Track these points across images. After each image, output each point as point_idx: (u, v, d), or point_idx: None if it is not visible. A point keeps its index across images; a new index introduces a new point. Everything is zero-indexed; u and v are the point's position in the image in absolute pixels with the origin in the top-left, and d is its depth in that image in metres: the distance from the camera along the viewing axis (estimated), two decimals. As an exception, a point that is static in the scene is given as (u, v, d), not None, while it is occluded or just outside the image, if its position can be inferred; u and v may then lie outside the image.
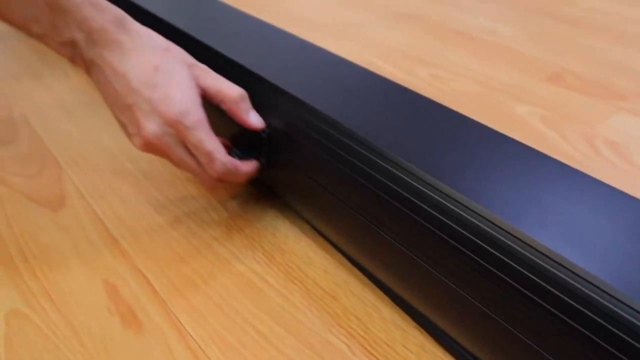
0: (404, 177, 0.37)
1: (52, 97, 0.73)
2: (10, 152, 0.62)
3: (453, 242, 0.34)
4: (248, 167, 0.48)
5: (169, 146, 0.44)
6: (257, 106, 0.48)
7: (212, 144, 0.44)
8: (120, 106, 0.44)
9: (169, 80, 0.43)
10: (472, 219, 0.33)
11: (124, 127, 0.46)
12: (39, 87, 0.75)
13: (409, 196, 0.36)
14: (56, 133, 0.65)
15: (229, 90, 0.46)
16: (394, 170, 0.38)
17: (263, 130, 0.47)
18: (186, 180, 0.57)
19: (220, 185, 0.49)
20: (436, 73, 0.77)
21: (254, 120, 0.47)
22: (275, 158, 0.48)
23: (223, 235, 0.50)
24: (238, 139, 0.50)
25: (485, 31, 0.89)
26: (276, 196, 0.53)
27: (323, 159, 0.43)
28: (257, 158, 0.48)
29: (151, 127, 0.43)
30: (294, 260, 0.47)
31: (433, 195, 0.35)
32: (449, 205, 0.34)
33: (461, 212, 0.34)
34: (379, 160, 0.39)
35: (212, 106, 0.47)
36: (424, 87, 0.73)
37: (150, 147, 0.44)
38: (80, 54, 0.44)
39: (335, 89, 0.49)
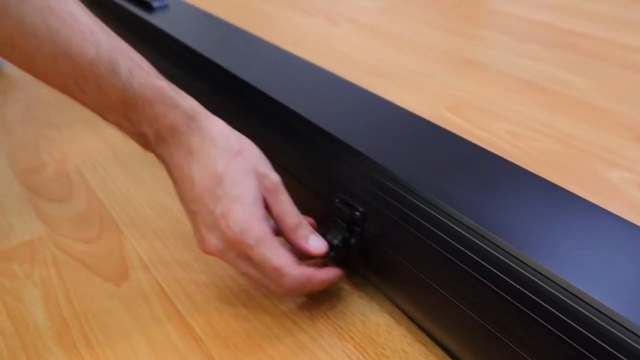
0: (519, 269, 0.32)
1: (107, 148, 0.69)
2: (66, 212, 0.58)
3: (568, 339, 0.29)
4: (326, 275, 0.43)
5: (232, 261, 0.42)
6: (336, 173, 0.43)
7: (278, 260, 0.40)
8: (187, 210, 0.43)
9: (233, 192, 0.41)
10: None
11: (192, 225, 0.43)
12: (94, 137, 0.72)
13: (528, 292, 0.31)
14: (113, 190, 0.61)
15: (287, 218, 0.43)
16: (504, 259, 0.33)
17: (356, 209, 0.42)
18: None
19: (294, 296, 0.46)
20: (512, 129, 0.72)
21: (314, 246, 0.43)
22: (370, 241, 0.43)
23: (305, 320, 0.45)
24: (326, 219, 0.45)
25: (557, 82, 0.84)
26: (363, 277, 0.48)
27: (420, 242, 0.38)
28: (347, 240, 0.44)
29: (213, 241, 0.41)
30: (387, 355, 0.42)
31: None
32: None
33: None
34: (489, 249, 0.34)
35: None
36: (501, 145, 0.68)
37: (214, 255, 0.42)
38: (152, 148, 0.43)
39: (418, 154, 0.45)
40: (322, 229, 0.45)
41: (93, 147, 0.70)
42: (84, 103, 0.42)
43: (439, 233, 0.38)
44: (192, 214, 0.42)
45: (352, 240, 0.44)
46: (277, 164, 0.45)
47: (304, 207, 0.45)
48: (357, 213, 0.42)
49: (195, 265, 0.50)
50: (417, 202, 0.40)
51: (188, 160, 0.42)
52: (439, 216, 0.38)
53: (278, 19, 1.16)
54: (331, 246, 0.43)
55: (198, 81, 0.66)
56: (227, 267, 0.49)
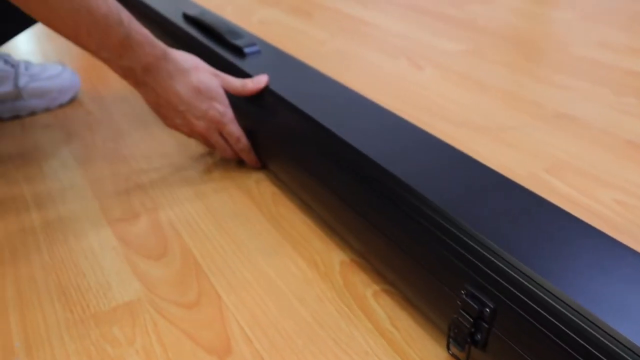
0: None
1: (197, 199, 0.69)
2: (163, 271, 0.57)
3: None
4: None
5: (212, 135, 0.71)
6: (463, 261, 0.40)
7: (239, 131, 0.71)
8: (174, 111, 0.68)
9: (210, 94, 0.69)
10: None
11: (175, 125, 0.70)
12: (184, 187, 0.71)
13: None
14: (208, 248, 0.60)
15: (234, 82, 0.71)
16: None
17: (486, 304, 0.40)
18: (367, 332, 0.49)
19: (242, 156, 0.73)
20: (620, 198, 0.67)
21: (251, 85, 0.71)
22: (497, 338, 0.40)
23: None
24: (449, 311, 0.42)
25: (662, 143, 0.79)
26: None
27: (556, 345, 0.35)
28: (472, 336, 0.41)
29: (201, 124, 0.70)
30: None
31: None
32: None
33: None
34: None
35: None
36: (610, 216, 0.64)
37: (197, 135, 0.71)
38: (135, 77, 0.65)
39: (537, 238, 0.42)
40: (444, 320, 0.42)
41: (184, 197, 0.69)
42: (85, 44, 0.61)
43: (577, 339, 0.35)
44: (179, 113, 0.68)
45: (478, 336, 0.41)
46: (399, 249, 0.43)
47: (427, 297, 0.43)
48: (487, 309, 0.40)
49: (297, 338, 0.48)
50: (551, 301, 0.37)
51: (171, 82, 0.66)
52: (577, 320, 0.35)
53: (359, 60, 1.14)
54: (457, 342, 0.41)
55: (291, 132, 0.65)
56: (341, 353, 0.47)
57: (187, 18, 0.96)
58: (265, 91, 0.71)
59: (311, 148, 0.62)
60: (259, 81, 0.70)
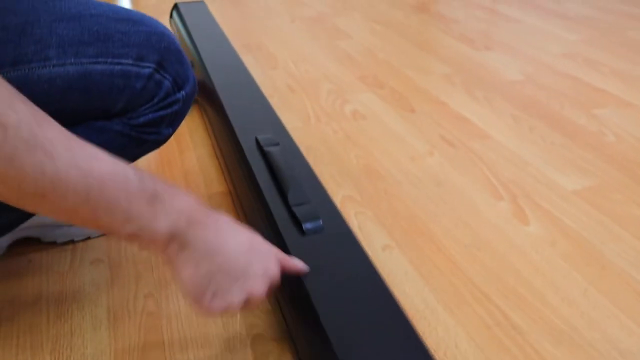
0: None
1: None
2: None
3: None
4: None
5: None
6: None
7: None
8: (227, 280, 0.51)
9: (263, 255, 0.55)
10: None
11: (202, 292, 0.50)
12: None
13: None
14: None
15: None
16: None
17: None
18: None
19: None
20: None
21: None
22: None
23: None
24: None
25: None
26: None
27: None
28: None
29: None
30: None
31: None
32: None
33: None
34: None
35: None
36: None
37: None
38: (175, 239, 0.48)
39: None
40: None
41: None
42: (92, 224, 0.45)
43: None
44: (235, 279, 0.51)
45: None
46: None
47: None
48: None
49: None
50: None
51: (215, 235, 0.51)
52: None
53: (451, 195, 0.98)
54: None
55: None
56: None
57: (258, 145, 0.86)
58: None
59: None
60: (297, 266, 0.60)
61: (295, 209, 0.70)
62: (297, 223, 0.69)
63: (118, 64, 0.64)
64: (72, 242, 0.86)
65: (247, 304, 0.54)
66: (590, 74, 1.50)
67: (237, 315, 0.72)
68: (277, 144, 0.85)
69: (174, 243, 0.49)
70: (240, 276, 0.52)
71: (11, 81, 0.41)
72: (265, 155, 0.82)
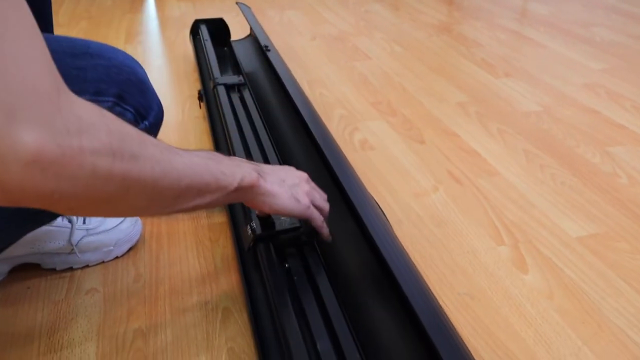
0: None
1: None
2: None
3: None
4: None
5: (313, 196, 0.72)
6: None
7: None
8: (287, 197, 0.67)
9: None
10: None
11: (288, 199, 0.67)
12: None
13: None
14: None
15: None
16: None
17: None
18: None
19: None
20: None
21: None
22: None
23: None
24: None
25: None
26: None
27: None
28: None
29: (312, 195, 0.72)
30: None
31: None
32: None
33: None
34: None
35: None
36: None
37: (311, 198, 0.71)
38: (259, 175, 0.64)
39: None
40: None
41: None
42: (222, 186, 0.58)
43: None
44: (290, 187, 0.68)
45: None
46: None
47: None
48: None
49: None
50: None
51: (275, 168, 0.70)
52: None
53: (448, 242, 0.97)
54: None
55: None
56: None
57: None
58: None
59: None
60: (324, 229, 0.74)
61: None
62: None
63: None
64: (71, 269, 0.88)
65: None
66: (610, 108, 1.47)
67: (223, 350, 0.72)
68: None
69: (260, 178, 0.63)
70: (299, 189, 0.70)
71: None
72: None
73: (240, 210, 0.93)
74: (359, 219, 0.75)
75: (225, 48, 1.68)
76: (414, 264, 0.69)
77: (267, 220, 0.79)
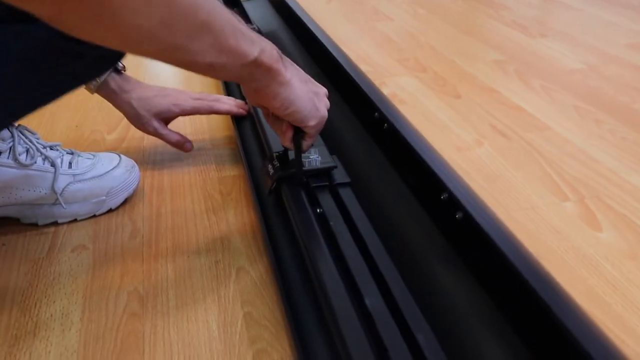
0: None
1: None
2: None
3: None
4: None
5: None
6: None
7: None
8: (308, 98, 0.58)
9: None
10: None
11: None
12: None
13: None
14: None
15: None
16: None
17: None
18: None
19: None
20: None
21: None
22: None
23: None
24: None
25: None
26: None
27: None
28: None
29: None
30: None
31: None
32: None
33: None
34: None
35: None
36: None
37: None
38: (282, 57, 0.54)
39: None
40: None
41: None
42: (240, 48, 0.48)
43: None
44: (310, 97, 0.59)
45: None
46: None
47: None
48: None
49: None
50: None
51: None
52: None
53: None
54: None
55: None
56: None
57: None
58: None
59: None
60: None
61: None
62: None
63: None
64: (56, 224, 0.73)
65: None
66: (662, 67, 1.31)
67: (237, 326, 0.58)
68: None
69: (281, 62, 0.54)
70: (320, 98, 0.61)
71: None
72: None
73: (257, 160, 0.79)
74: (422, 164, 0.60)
75: (235, 8, 1.53)
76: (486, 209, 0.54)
77: (290, 159, 0.64)
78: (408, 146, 0.62)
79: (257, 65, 0.50)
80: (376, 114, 0.73)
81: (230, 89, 1.03)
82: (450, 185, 0.54)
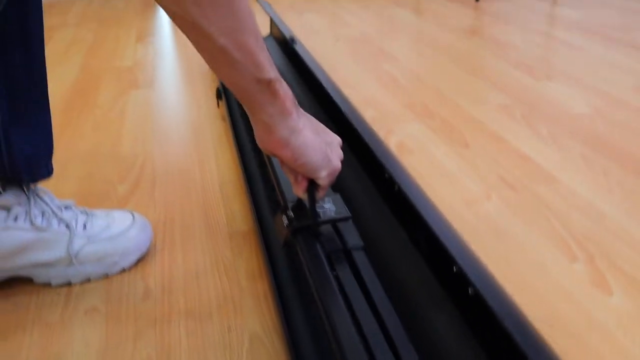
0: None
1: None
2: None
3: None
4: None
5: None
6: None
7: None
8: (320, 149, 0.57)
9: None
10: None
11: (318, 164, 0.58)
12: None
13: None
14: None
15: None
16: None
17: None
18: None
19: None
20: None
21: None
22: None
23: None
24: None
25: None
26: None
27: None
28: None
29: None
30: None
31: None
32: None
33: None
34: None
35: None
36: None
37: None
38: (297, 106, 0.55)
39: None
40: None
41: None
42: (261, 60, 0.49)
43: None
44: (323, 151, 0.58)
45: None
46: None
47: None
48: None
49: None
50: None
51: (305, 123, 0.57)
52: None
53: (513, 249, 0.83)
54: None
55: None
56: None
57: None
58: None
59: None
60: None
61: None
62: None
63: None
64: (69, 284, 0.74)
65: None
66: (669, 111, 1.32)
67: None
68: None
69: (296, 107, 0.54)
70: (334, 148, 0.61)
71: None
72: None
73: (267, 219, 0.79)
74: (424, 226, 0.61)
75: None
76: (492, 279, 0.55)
77: (306, 209, 0.65)
78: (421, 220, 0.62)
79: (271, 89, 0.50)
80: (386, 174, 0.74)
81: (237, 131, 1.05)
82: (461, 262, 0.55)
